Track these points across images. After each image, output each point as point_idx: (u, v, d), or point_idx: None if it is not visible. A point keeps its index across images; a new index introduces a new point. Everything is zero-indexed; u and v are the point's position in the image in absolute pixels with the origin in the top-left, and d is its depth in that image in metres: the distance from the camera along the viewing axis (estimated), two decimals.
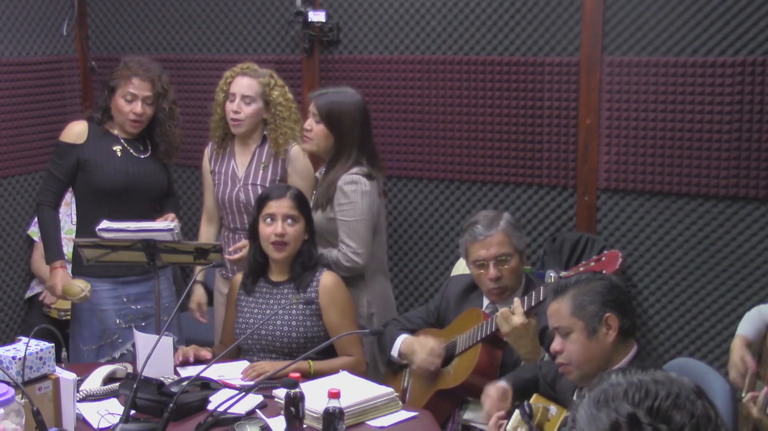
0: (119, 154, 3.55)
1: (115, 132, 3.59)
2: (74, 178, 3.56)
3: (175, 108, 3.64)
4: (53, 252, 3.55)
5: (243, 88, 3.55)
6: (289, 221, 3.13)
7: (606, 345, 2.39)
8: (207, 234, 3.75)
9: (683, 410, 1.29)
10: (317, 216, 3.38)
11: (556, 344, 2.46)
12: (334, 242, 3.40)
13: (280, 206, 3.13)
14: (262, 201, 3.19)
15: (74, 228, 3.93)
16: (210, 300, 3.85)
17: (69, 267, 3.63)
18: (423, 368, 3.08)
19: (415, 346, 3.11)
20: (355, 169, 3.38)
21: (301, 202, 3.18)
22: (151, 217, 3.50)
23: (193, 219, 4.74)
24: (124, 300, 3.58)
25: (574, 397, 2.48)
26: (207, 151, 3.75)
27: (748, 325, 3.08)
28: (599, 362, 2.38)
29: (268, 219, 3.14)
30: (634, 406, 1.29)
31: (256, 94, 3.55)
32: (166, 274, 3.64)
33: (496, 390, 2.71)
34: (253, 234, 3.21)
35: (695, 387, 1.34)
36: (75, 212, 3.87)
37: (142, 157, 3.61)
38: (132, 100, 3.51)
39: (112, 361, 3.47)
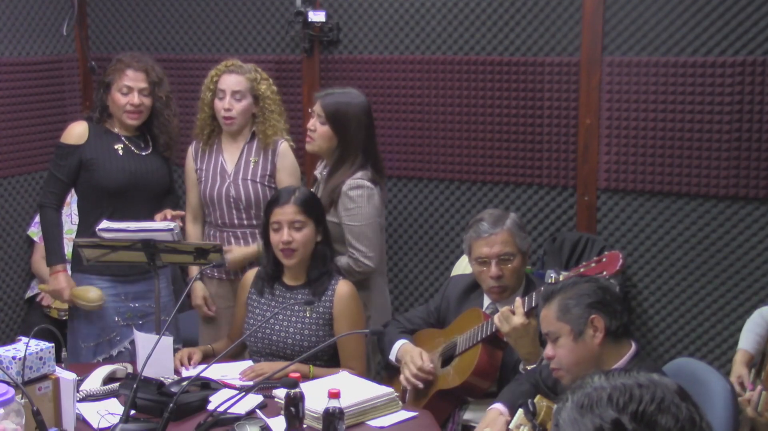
0: (121, 152, 3.55)
1: (116, 130, 3.59)
2: (76, 178, 3.55)
3: (171, 98, 3.63)
4: (55, 254, 3.53)
5: (232, 85, 3.55)
6: (296, 227, 3.11)
7: (593, 347, 2.39)
8: (194, 232, 3.71)
9: (668, 414, 1.28)
10: None
11: (548, 350, 2.47)
12: (337, 246, 3.38)
13: (285, 213, 3.11)
14: (269, 207, 3.18)
15: (74, 228, 3.92)
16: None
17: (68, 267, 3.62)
18: (409, 383, 3.06)
19: (407, 358, 3.08)
20: (359, 174, 3.38)
21: (307, 205, 3.15)
22: (153, 216, 3.48)
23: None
24: (123, 297, 3.57)
25: None
26: (191, 150, 3.73)
27: (748, 335, 3.08)
28: (589, 364, 2.38)
29: (275, 226, 3.13)
30: (618, 412, 1.28)
31: (246, 89, 3.57)
32: (165, 274, 3.63)
33: (493, 414, 2.69)
34: (266, 240, 3.19)
35: (678, 389, 1.33)
36: (75, 212, 3.86)
37: (144, 154, 3.60)
38: (128, 92, 3.50)
39: (110, 359, 3.48)
